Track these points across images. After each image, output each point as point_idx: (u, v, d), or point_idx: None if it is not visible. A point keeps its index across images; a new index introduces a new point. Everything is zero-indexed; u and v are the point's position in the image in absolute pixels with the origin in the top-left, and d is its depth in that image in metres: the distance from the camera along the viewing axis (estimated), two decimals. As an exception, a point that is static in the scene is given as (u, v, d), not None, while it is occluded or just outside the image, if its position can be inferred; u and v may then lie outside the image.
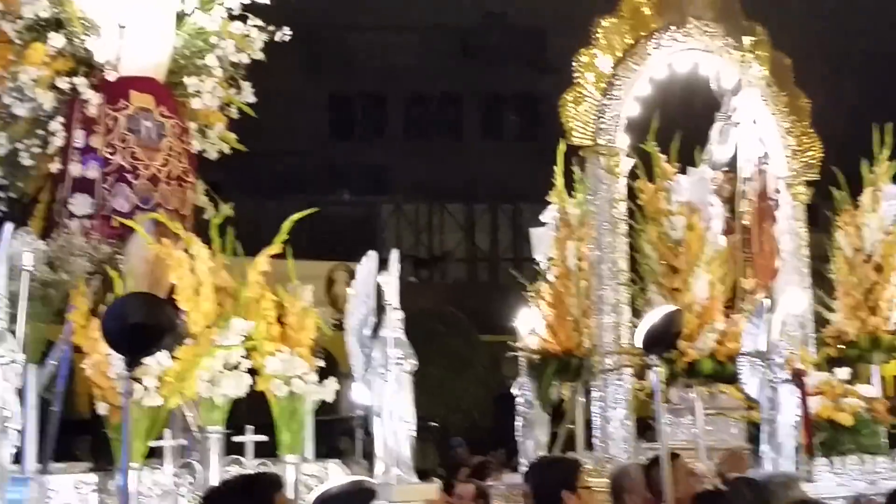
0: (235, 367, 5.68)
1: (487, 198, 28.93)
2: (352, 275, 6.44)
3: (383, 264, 6.20)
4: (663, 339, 5.57)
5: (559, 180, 8.41)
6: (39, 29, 7.29)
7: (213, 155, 7.91)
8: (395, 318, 6.05)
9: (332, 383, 5.92)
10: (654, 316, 5.58)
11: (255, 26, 7.91)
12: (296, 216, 6.15)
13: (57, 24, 7.33)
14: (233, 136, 8.03)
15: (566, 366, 8.04)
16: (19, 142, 7.25)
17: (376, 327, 6.12)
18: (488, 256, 29.36)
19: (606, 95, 8.28)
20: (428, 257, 28.75)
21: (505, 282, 22.94)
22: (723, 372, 8.01)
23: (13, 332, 5.49)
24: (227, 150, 8.00)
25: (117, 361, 5.26)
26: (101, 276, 6.41)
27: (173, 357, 5.51)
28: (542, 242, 8.50)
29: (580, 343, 8.01)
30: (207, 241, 6.07)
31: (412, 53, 29.40)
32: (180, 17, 7.64)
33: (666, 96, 8.71)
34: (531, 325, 8.29)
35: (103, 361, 5.50)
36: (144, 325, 4.59)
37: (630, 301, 8.12)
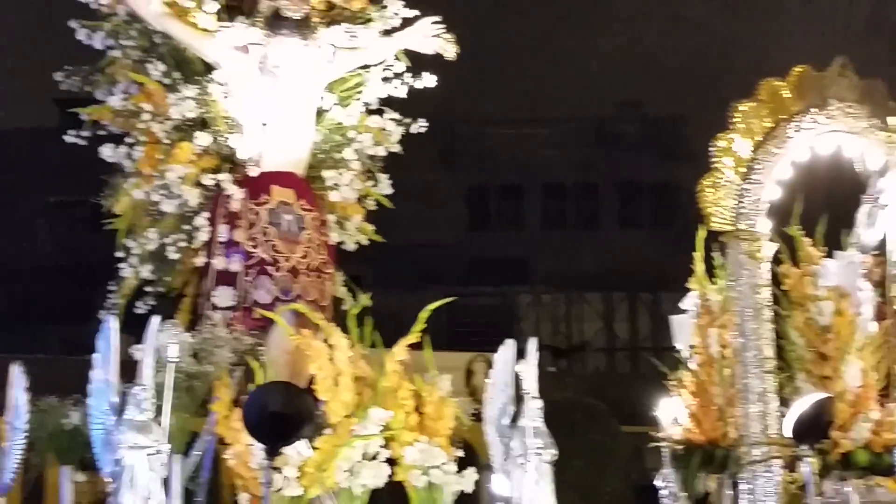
0: (374, 457, 5.67)
1: (625, 286, 28.62)
2: (490, 366, 6.39)
3: (521, 354, 6.14)
4: (815, 429, 5.35)
5: (699, 267, 8.24)
6: (186, 129, 7.56)
7: (351, 246, 8.03)
8: (533, 408, 5.96)
9: (471, 474, 5.85)
10: (804, 404, 5.37)
11: (391, 119, 8.05)
12: (433, 305, 6.16)
13: (202, 124, 7.59)
14: (370, 227, 8.14)
15: (711, 457, 7.78)
16: (167, 237, 7.48)
17: (515, 417, 6.04)
18: (627, 345, 28.95)
19: (746, 180, 8.12)
20: (566, 347, 28.49)
21: (644, 371, 22.55)
22: (879, 464, 7.64)
23: (159, 423, 5.58)
24: (364, 241, 8.10)
25: (259, 451, 5.30)
26: (244, 367, 6.50)
27: (313, 447, 5.53)
28: (683, 330, 8.31)
29: (726, 433, 7.76)
30: (346, 331, 6.11)
31: (547, 144, 29.54)
32: (319, 112, 7.83)
33: (809, 179, 8.50)
34: (674, 414, 8.08)
35: (245, 452, 5.55)
36: (284, 415, 4.63)
37: (777, 389, 7.85)
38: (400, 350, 6.02)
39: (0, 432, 5.99)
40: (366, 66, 7.98)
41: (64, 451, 6.43)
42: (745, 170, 8.13)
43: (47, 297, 21.06)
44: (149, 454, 5.42)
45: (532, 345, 6.10)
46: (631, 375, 25.06)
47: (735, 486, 7.82)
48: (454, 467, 5.84)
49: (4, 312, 20.71)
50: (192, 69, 7.73)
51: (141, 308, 7.50)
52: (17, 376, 5.98)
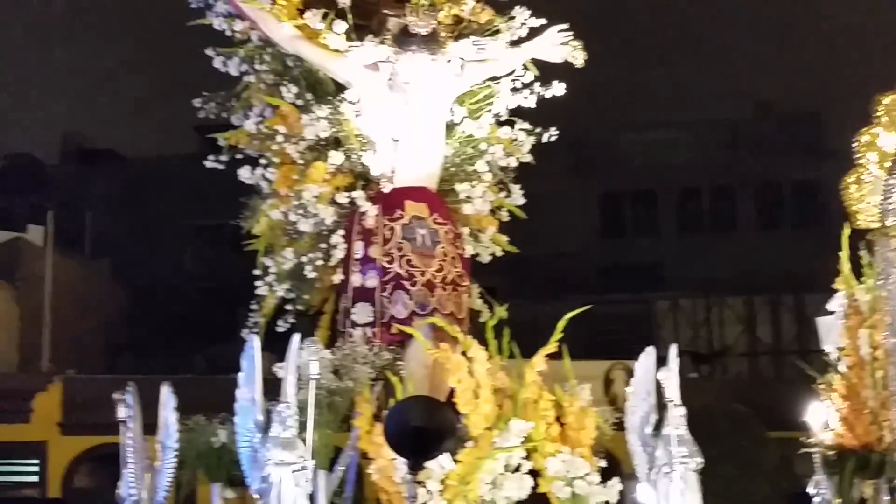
0: (517, 469, 5.64)
1: (767, 289, 27.95)
2: (630, 373, 6.30)
3: (661, 361, 6.04)
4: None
5: (845, 266, 7.99)
6: (320, 148, 7.66)
7: (485, 258, 8.02)
8: (677, 415, 5.85)
9: (615, 484, 5.77)
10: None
11: (522, 130, 8.02)
12: (570, 314, 6.10)
13: (335, 143, 7.69)
14: (504, 238, 8.12)
15: (866, 462, 7.52)
16: (304, 256, 7.59)
17: (658, 425, 5.94)
18: (771, 349, 28.25)
19: (893, 175, 7.84)
20: (707, 352, 27.95)
21: (789, 375, 21.93)
22: None
23: (303, 440, 5.66)
24: (499, 252, 8.09)
25: (401, 466, 5.33)
26: (384, 381, 6.55)
27: (455, 460, 5.53)
28: (831, 332, 8.06)
29: (881, 437, 7.49)
30: (484, 343, 6.10)
31: (682, 148, 29.13)
32: (450, 126, 7.85)
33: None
34: (824, 419, 7.83)
35: (388, 466, 5.59)
36: (426, 429, 4.64)
37: (933, 391, 7.55)
38: (538, 360, 5.98)
39: (152, 451, 6.16)
40: (495, 78, 7.97)
41: (213, 468, 6.57)
42: (890, 164, 7.86)
43: (194, 318, 21.63)
44: (294, 470, 5.50)
45: (673, 351, 5.99)
46: (775, 380, 24.45)
47: (892, 491, 7.54)
48: (597, 478, 5.78)
49: (154, 334, 21.35)
50: (324, 90, 7.84)
51: (282, 326, 7.62)
52: (167, 397, 6.14)
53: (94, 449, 13.21)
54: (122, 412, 6.02)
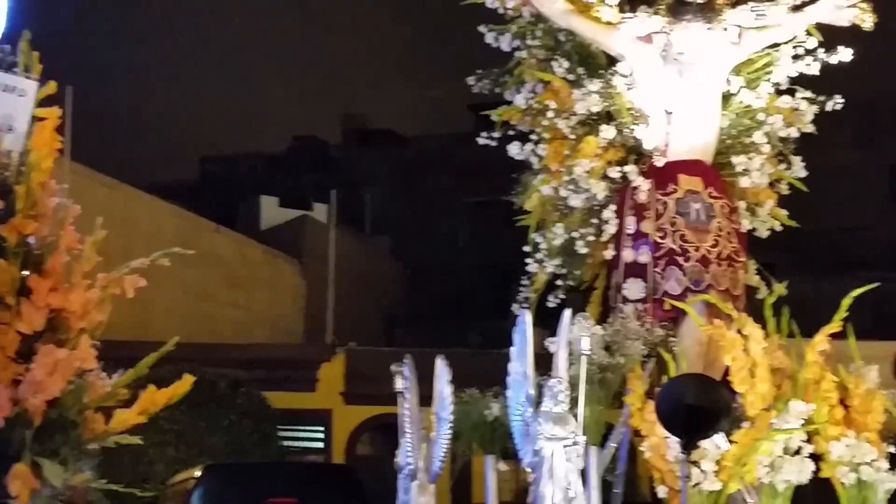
0: (797, 453, 5.43)
1: None
2: (921, 355, 5.94)
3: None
4: None
5: None
6: (591, 123, 7.61)
7: (763, 233, 7.75)
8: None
9: (905, 472, 5.46)
10: None
11: (804, 98, 7.68)
12: (855, 292, 5.81)
13: (607, 117, 7.61)
14: (784, 212, 7.81)
15: None
16: (575, 231, 7.57)
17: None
18: None
19: None
20: None
21: None
22: None
23: (574, 415, 5.64)
24: (778, 227, 7.79)
25: (674, 444, 5.23)
26: (656, 358, 6.45)
27: (730, 440, 5.38)
28: None
29: None
30: (760, 321, 5.90)
31: None
32: (726, 97, 7.61)
33: None
34: None
35: (661, 444, 5.50)
36: (699, 407, 4.53)
37: None
38: (821, 340, 5.73)
39: (428, 422, 6.31)
40: (774, 45, 7.66)
41: (486, 440, 6.67)
42: None
43: (468, 293, 22.04)
44: (565, 445, 5.50)
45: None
46: None
47: None
48: (886, 464, 5.48)
49: (429, 309, 21.92)
50: (595, 64, 7.78)
51: (552, 302, 7.64)
52: (442, 369, 6.27)
53: (374, 418, 13.68)
54: (399, 384, 6.18)
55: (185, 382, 4.99)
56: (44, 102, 5.19)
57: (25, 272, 4.69)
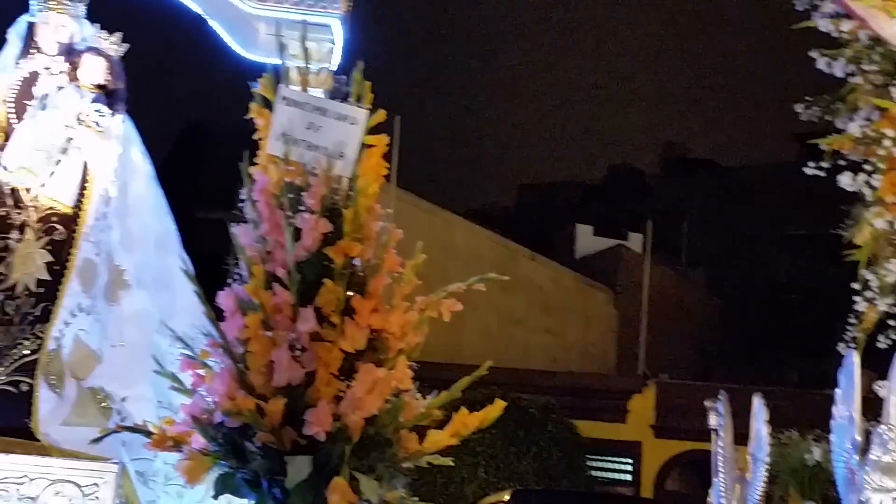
0: None
1: None
2: None
3: None
4: None
5: None
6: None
7: None
8: None
9: None
10: None
11: None
12: None
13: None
14: None
15: None
16: (910, 268, 7.11)
17: None
18: None
19: None
20: None
21: None
22: None
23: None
24: None
25: None
26: None
27: None
28: None
29: None
30: None
31: None
32: None
33: None
34: None
35: None
36: None
37: None
38: None
39: (743, 462, 6.09)
40: None
41: (806, 485, 6.39)
42: None
43: (788, 329, 21.25)
44: (895, 497, 5.15)
45: None
46: None
47: None
48: None
49: (745, 344, 21.29)
50: (937, 90, 7.29)
51: (883, 343, 7.20)
52: (759, 408, 6.04)
53: (685, 454, 13.41)
54: (713, 420, 6.01)
55: (497, 407, 5.02)
56: (373, 130, 5.39)
57: (350, 293, 4.87)
